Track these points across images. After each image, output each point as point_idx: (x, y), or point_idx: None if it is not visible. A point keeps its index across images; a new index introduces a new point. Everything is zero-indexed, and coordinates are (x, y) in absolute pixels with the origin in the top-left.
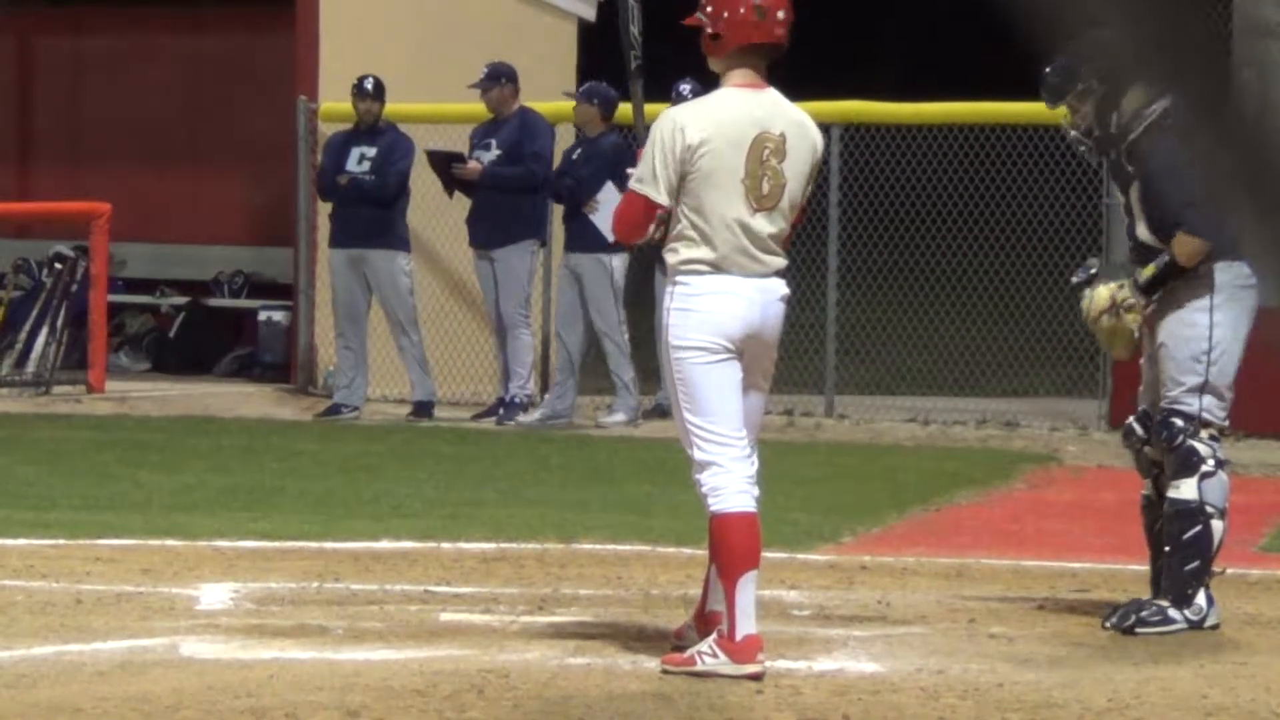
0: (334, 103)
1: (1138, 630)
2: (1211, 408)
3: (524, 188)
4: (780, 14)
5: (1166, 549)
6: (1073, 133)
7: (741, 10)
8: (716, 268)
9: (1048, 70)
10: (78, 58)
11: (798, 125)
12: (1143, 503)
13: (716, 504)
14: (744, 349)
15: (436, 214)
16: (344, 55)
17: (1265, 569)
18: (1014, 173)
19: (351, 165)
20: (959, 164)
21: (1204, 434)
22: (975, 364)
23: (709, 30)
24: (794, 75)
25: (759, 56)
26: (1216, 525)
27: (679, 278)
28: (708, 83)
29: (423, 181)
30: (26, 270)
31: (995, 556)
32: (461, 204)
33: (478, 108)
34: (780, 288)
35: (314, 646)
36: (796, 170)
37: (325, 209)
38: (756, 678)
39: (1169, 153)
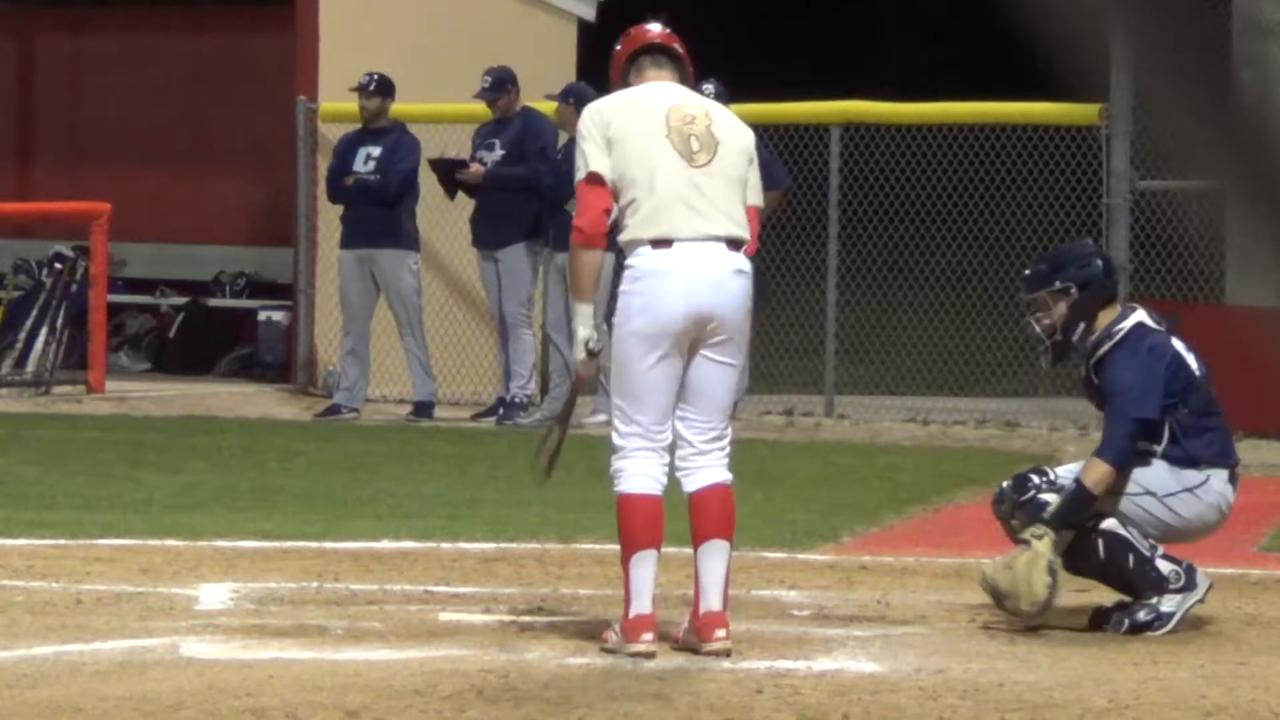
0: (334, 103)
1: (1137, 633)
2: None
3: (528, 188)
4: (653, 26)
5: (1103, 578)
6: (1037, 328)
7: (619, 43)
8: (660, 237)
9: (1036, 261)
10: (78, 58)
11: (726, 113)
12: None
13: (619, 485)
14: (696, 332)
15: (439, 214)
16: (344, 55)
17: (1265, 569)
18: (1013, 173)
19: (358, 165)
20: (959, 164)
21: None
22: (975, 364)
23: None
24: (795, 75)
25: (656, 64)
26: (1107, 523)
27: (627, 260)
28: (730, 83)
29: (427, 182)
30: (26, 270)
31: (995, 556)
32: (464, 204)
33: (478, 107)
34: (736, 261)
35: (314, 646)
36: (733, 142)
37: (326, 209)
38: (645, 657)
39: (1121, 372)
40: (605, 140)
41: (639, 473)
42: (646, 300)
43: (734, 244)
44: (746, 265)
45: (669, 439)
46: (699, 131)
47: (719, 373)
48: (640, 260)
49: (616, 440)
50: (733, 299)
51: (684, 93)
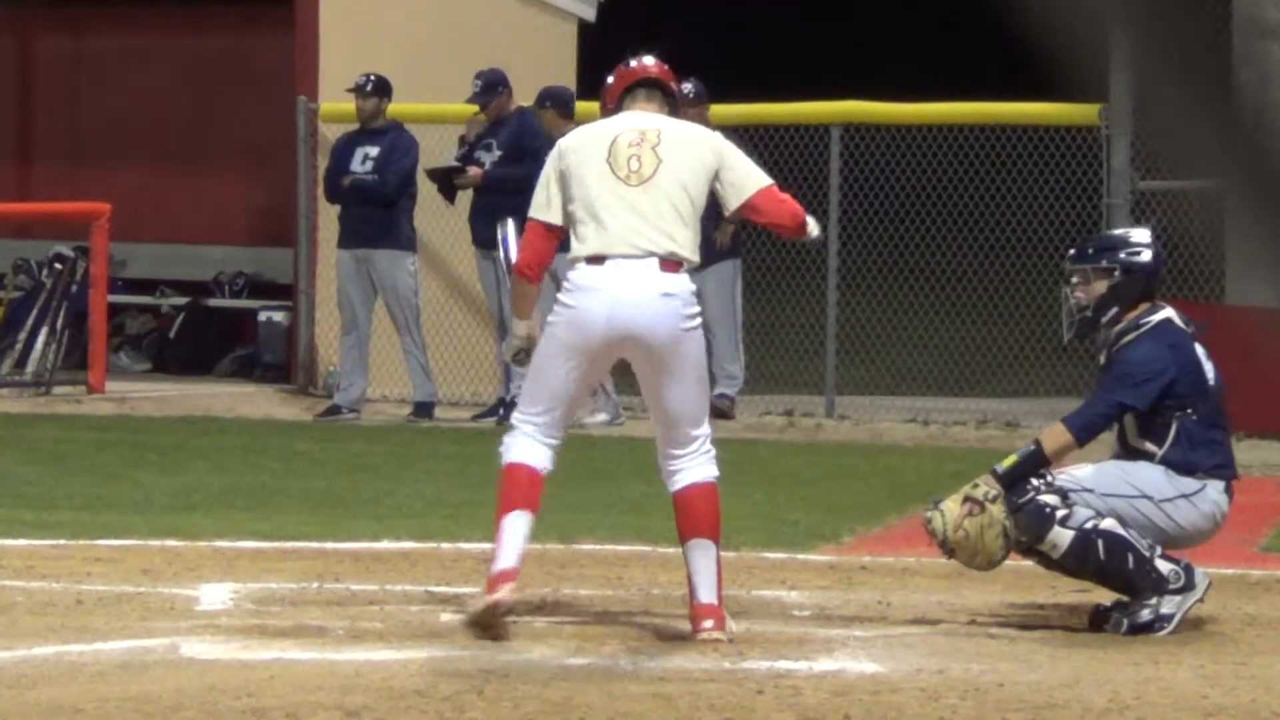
0: (334, 103)
1: (1138, 634)
2: (1091, 502)
3: (526, 187)
4: (648, 59)
5: (1103, 580)
6: (1070, 299)
7: (612, 75)
8: (595, 255)
9: (1090, 238)
10: (78, 58)
11: (682, 127)
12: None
13: (504, 457)
14: (621, 350)
15: (438, 214)
16: (344, 55)
17: (1265, 569)
18: (1014, 173)
19: (355, 165)
20: (959, 164)
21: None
22: (975, 364)
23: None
24: (796, 75)
25: (648, 98)
26: (1107, 523)
27: (567, 273)
28: (709, 82)
29: (426, 183)
30: (26, 270)
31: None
32: (462, 204)
33: (477, 108)
34: (666, 283)
35: (314, 647)
36: (680, 158)
37: (327, 209)
38: (495, 606)
39: (1133, 353)
40: (559, 178)
41: (523, 448)
42: (572, 313)
43: (669, 263)
44: (678, 287)
45: (559, 443)
46: (643, 151)
47: (677, 391)
48: (575, 274)
49: (515, 417)
50: (657, 318)
51: (647, 117)
